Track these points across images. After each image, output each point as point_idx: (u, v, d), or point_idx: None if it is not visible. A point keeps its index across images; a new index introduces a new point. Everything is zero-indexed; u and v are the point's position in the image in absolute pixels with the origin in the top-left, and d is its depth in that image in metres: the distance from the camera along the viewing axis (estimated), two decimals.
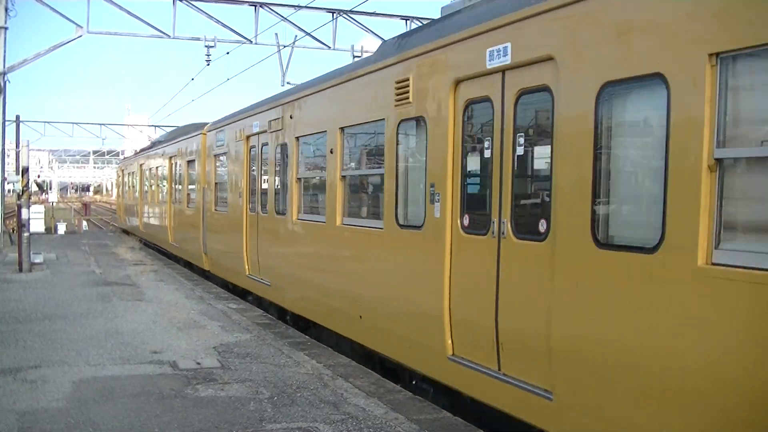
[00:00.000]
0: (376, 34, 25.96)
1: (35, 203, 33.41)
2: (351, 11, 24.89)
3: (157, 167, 25.56)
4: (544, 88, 5.87)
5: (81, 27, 23.03)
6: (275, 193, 12.74)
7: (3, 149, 24.78)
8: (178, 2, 23.62)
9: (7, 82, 23.45)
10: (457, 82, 6.98)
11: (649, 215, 4.92)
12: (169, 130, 36.03)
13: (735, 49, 4.24)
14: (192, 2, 23.90)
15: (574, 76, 5.50)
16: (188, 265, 20.01)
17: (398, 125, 8.16)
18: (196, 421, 6.58)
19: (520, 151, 6.25)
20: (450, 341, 7.00)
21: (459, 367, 6.82)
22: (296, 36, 22.83)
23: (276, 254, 12.58)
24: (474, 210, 6.89)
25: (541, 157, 6.12)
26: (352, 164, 10.03)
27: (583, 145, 5.39)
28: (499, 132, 6.41)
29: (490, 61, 6.45)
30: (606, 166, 5.30)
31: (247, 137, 14.20)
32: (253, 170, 13.98)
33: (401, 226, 8.07)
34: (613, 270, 5.08)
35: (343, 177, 9.81)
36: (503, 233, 6.28)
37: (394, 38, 9.12)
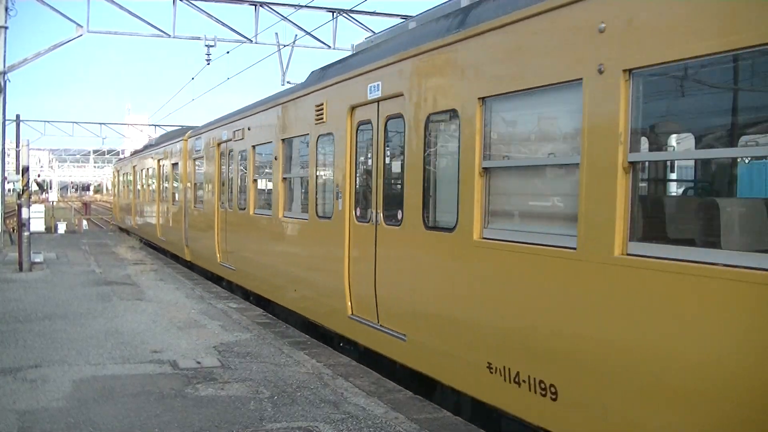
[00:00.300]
0: (376, 34, 25.95)
1: (35, 202, 33.39)
2: (351, 11, 24.88)
3: (147, 169, 27.61)
4: (400, 115, 8.05)
5: (81, 26, 23.03)
6: (239, 192, 15.14)
7: (3, 149, 24.78)
8: (178, 2, 23.61)
9: (7, 82, 23.44)
10: (352, 108, 9.21)
11: (450, 208, 7.06)
12: (169, 129, 36.16)
13: (493, 94, 6.47)
14: (192, 2, 23.90)
15: (414, 108, 7.69)
16: (175, 258, 22.23)
17: (317, 139, 10.44)
18: (196, 420, 6.58)
19: (387, 160, 8.48)
20: (350, 304, 9.25)
21: (355, 323, 9.04)
22: (296, 35, 22.82)
23: (239, 243, 14.96)
24: (362, 205, 9.10)
25: (398, 166, 8.24)
26: (290, 168, 12.25)
27: (418, 157, 7.59)
28: (375, 146, 8.63)
29: (370, 93, 8.68)
30: (428, 173, 7.57)
31: (218, 144, 16.69)
32: (223, 172, 16.40)
33: (319, 217, 10.34)
34: (433, 243, 7.36)
35: (284, 179, 12.15)
36: (378, 221, 8.51)
37: (318, 70, 11.41)
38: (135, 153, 34.62)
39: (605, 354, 5.05)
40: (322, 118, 10.15)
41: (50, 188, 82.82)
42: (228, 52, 26.12)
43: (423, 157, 7.48)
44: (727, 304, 4.20)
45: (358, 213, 9.06)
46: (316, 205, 10.50)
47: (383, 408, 7.03)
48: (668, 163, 6.75)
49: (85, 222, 41.09)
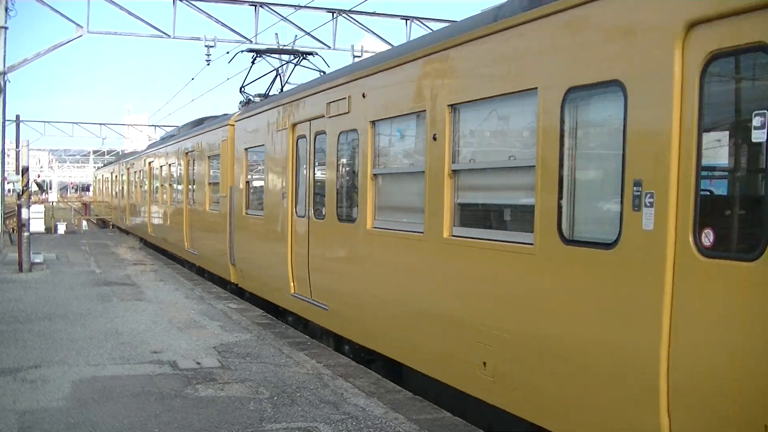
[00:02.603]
0: (376, 34, 25.97)
1: (35, 203, 33.40)
2: (351, 11, 24.85)
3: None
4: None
5: (81, 27, 23.00)
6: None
7: (3, 149, 24.77)
8: (178, 2, 23.58)
9: (7, 82, 23.43)
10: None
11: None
12: (169, 129, 36.10)
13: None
14: (192, 2, 23.88)
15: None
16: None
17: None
18: (196, 421, 6.59)
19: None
20: (293, 284, 11.29)
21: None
22: (296, 36, 22.91)
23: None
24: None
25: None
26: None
27: (332, 163, 9.93)
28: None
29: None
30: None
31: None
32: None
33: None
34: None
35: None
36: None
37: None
38: (107, 164, 37.02)
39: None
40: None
41: (50, 189, 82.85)
42: (228, 53, 26.11)
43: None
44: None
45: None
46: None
47: (383, 408, 7.03)
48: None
49: (84, 222, 41.10)
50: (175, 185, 22.55)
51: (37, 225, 31.17)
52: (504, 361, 6.20)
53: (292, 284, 11.35)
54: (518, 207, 6.59)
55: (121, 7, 23.33)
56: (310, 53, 17.04)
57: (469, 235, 6.86)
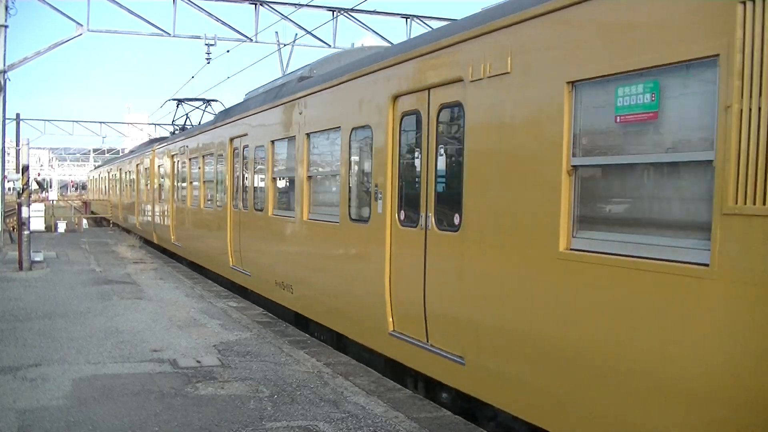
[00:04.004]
0: (376, 33, 25.90)
1: (35, 201, 33.37)
2: (352, 9, 24.82)
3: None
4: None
5: (81, 25, 22.98)
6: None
7: (3, 147, 24.74)
8: (178, 1, 23.57)
9: (7, 81, 23.40)
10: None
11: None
12: (169, 129, 36.16)
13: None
14: (192, 0, 23.87)
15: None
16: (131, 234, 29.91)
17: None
18: (196, 419, 6.58)
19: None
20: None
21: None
22: (296, 34, 22.84)
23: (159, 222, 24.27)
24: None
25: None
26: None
27: (299, 172, 11.08)
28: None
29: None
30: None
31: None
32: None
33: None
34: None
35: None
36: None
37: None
38: (98, 166, 43.67)
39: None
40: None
41: (50, 187, 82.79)
42: (228, 51, 26.11)
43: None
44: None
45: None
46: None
47: (383, 407, 7.03)
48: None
49: (85, 221, 41.05)
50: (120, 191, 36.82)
51: (37, 223, 31.13)
52: None
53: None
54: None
55: (122, 6, 23.31)
56: (214, 100, 24.64)
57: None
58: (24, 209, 18.81)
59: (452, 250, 6.75)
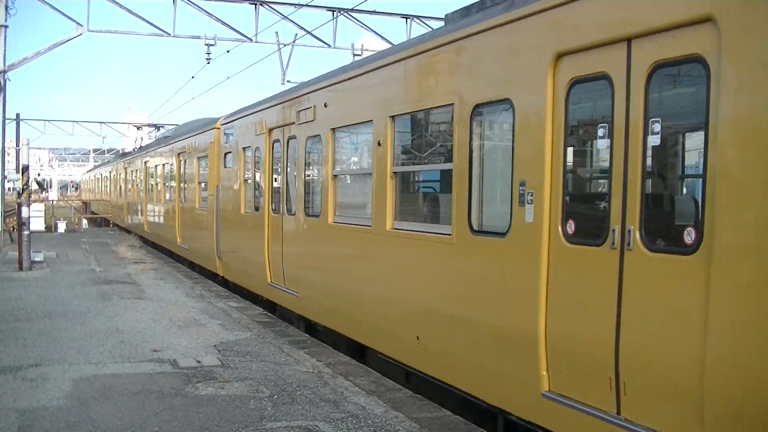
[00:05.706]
0: (376, 33, 25.95)
1: (35, 201, 33.35)
2: (352, 10, 24.81)
3: (103, 178, 42.16)
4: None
5: (81, 25, 22.98)
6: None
7: (3, 147, 24.75)
8: (178, 1, 23.57)
9: (7, 81, 23.41)
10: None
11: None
12: (169, 128, 36.15)
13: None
14: (192, 1, 23.86)
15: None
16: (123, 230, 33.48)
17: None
18: (196, 419, 6.59)
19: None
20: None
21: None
22: (296, 34, 22.81)
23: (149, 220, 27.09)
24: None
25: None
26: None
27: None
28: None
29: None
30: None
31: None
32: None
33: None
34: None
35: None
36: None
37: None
38: (93, 168, 48.23)
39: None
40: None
41: (50, 187, 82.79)
42: (228, 51, 26.10)
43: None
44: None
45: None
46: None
47: (383, 407, 7.03)
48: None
49: (85, 221, 41.09)
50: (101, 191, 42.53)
51: (37, 223, 31.11)
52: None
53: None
54: None
55: (122, 6, 23.32)
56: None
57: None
58: (24, 209, 18.82)
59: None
